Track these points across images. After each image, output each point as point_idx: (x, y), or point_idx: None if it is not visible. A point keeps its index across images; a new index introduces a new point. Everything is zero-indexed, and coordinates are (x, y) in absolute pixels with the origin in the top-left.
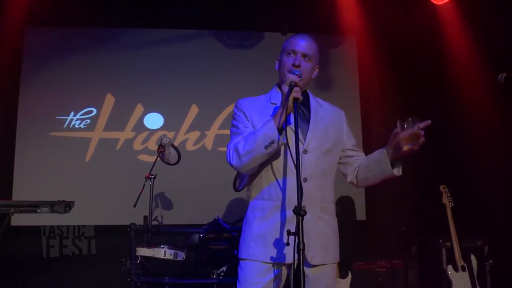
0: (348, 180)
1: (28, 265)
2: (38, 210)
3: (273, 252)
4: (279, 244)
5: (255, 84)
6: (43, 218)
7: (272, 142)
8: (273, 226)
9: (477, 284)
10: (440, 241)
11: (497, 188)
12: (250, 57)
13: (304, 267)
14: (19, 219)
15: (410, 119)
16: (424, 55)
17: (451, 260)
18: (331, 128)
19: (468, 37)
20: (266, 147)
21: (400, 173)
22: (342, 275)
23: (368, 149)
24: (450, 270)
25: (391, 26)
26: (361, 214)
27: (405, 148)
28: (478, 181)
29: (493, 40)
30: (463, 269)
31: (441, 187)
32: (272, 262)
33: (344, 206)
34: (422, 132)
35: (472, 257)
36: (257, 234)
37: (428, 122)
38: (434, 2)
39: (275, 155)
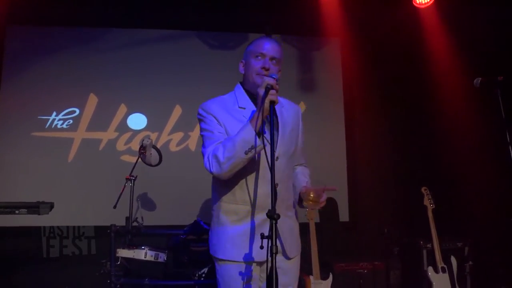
0: None
1: (28, 265)
2: (17, 211)
3: (247, 252)
4: (252, 245)
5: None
6: (23, 219)
7: (252, 147)
8: (247, 229)
9: (456, 285)
10: (421, 242)
11: (477, 191)
12: (234, 58)
13: (284, 259)
14: None
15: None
16: (406, 57)
17: (432, 262)
18: (293, 130)
19: (447, 40)
20: (246, 153)
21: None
22: (324, 277)
23: (351, 150)
24: (430, 271)
25: (375, 28)
26: (344, 215)
27: (304, 205)
28: (458, 184)
29: (471, 44)
30: (443, 271)
31: (423, 189)
32: (246, 261)
33: (327, 208)
34: (324, 197)
35: (452, 259)
36: (232, 235)
37: (335, 188)
38: (417, 5)
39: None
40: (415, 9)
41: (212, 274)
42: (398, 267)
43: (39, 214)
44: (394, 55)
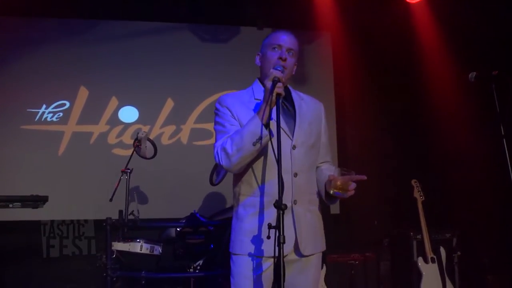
0: None
1: (28, 265)
2: (11, 205)
3: (264, 247)
4: (271, 239)
5: (231, 78)
6: (13, 213)
7: (260, 138)
8: (264, 222)
9: (445, 275)
10: (411, 234)
11: (465, 184)
12: (226, 52)
13: (297, 257)
14: None
15: (343, 169)
16: (397, 52)
17: (421, 252)
18: (313, 122)
19: (440, 35)
20: (254, 144)
21: (332, 204)
22: None
23: (342, 145)
24: (420, 261)
25: (366, 23)
26: (335, 208)
27: (331, 192)
28: (447, 177)
29: (464, 39)
30: (433, 261)
31: (413, 182)
32: (263, 256)
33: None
34: (353, 186)
35: (441, 249)
36: (250, 229)
37: (364, 177)
38: (408, 0)
39: (262, 152)
40: (406, 4)
41: (208, 266)
42: (389, 258)
43: (33, 208)
44: (385, 49)
